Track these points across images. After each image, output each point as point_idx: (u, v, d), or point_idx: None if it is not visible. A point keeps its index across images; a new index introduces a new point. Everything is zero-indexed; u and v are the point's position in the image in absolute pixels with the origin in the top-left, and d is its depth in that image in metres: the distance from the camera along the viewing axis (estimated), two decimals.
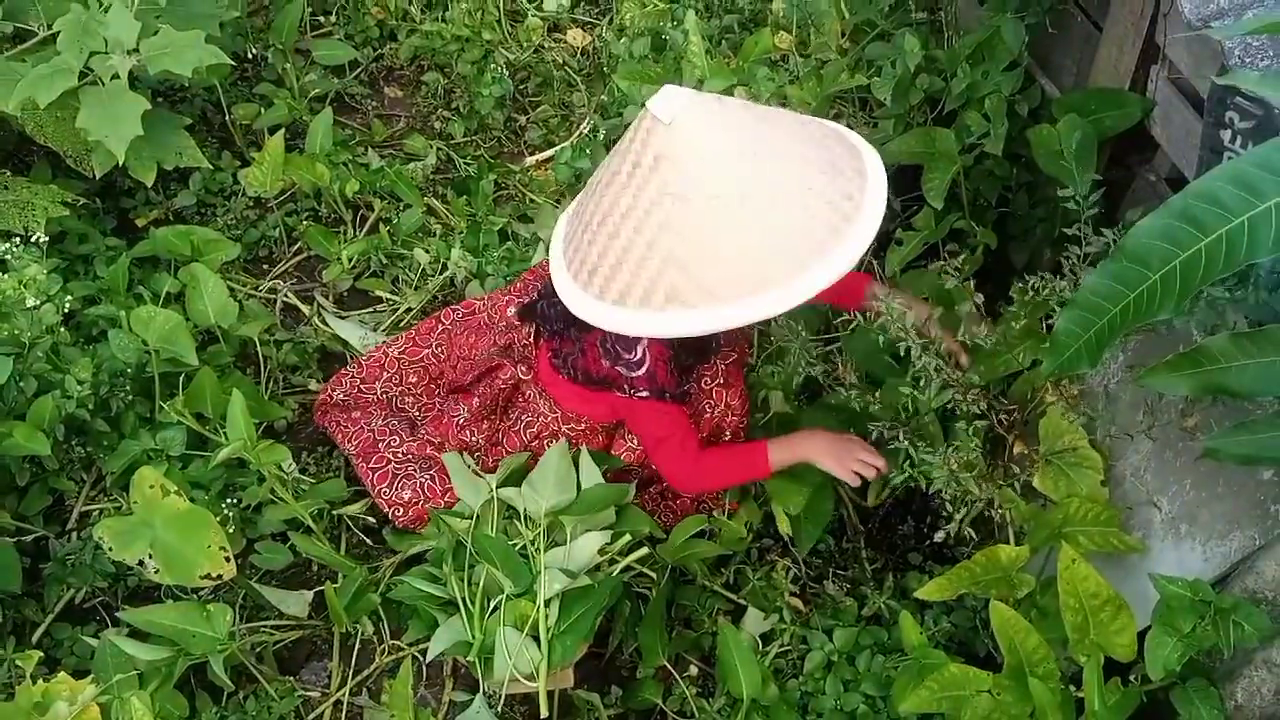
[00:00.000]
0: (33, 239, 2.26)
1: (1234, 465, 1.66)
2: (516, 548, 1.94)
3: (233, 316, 2.40)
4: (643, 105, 1.64)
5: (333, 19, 3.34)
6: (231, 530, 2.11)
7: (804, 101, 2.49)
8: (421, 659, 2.12)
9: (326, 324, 2.66)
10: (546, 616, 1.88)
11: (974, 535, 1.91)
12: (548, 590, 1.88)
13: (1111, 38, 2.00)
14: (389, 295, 2.74)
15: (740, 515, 2.19)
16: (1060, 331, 1.31)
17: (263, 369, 2.55)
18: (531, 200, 2.98)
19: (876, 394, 2.05)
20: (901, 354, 1.84)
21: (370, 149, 3.05)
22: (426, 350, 2.35)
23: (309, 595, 2.19)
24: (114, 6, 2.22)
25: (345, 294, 2.77)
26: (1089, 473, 1.89)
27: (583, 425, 2.08)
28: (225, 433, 2.05)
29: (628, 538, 2.00)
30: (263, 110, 3.00)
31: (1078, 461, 1.90)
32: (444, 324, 2.37)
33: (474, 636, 1.90)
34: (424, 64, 3.34)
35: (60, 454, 2.19)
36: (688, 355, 1.94)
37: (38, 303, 2.12)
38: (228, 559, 1.94)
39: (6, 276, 2.10)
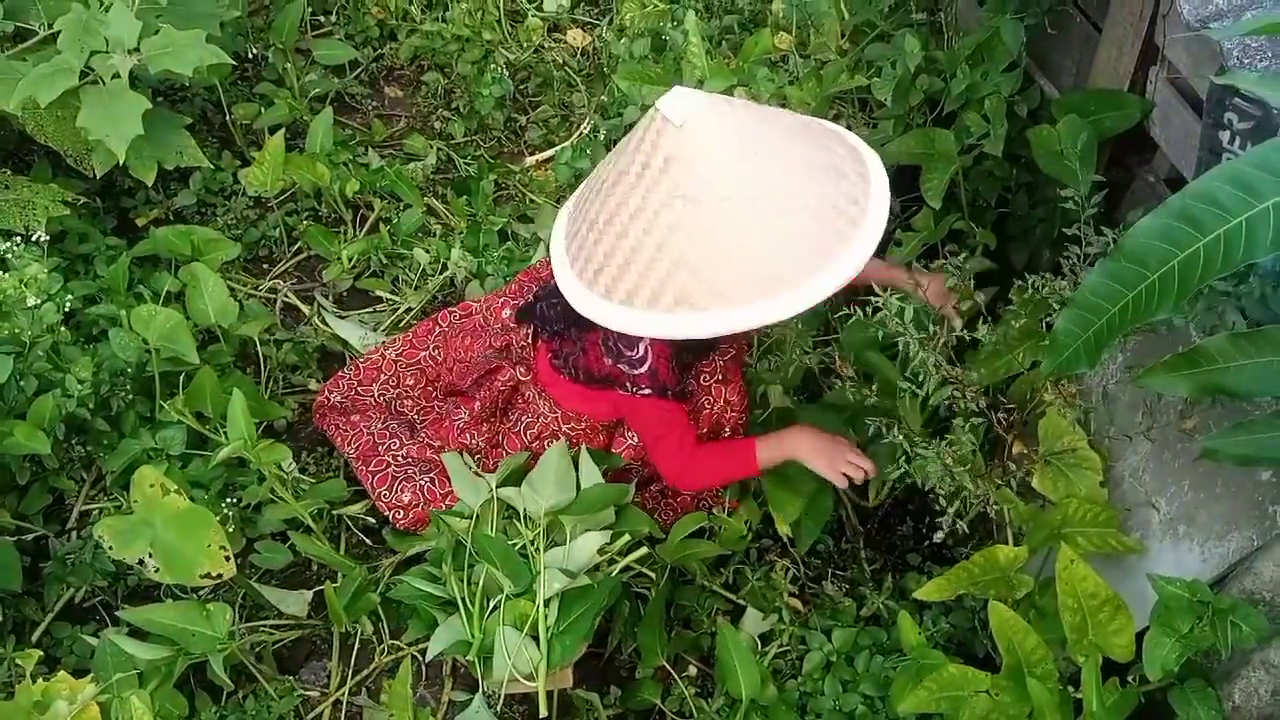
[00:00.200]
0: (33, 238, 2.27)
1: (1232, 466, 1.66)
2: (516, 547, 1.94)
3: (233, 316, 2.40)
4: (648, 105, 1.64)
5: (333, 19, 3.35)
6: (231, 530, 2.11)
7: (804, 102, 2.50)
8: (421, 659, 2.12)
9: (326, 324, 2.66)
10: (546, 616, 1.88)
11: (967, 530, 1.91)
12: (547, 590, 1.88)
13: (1111, 39, 2.00)
14: (389, 295, 2.74)
15: (740, 513, 2.19)
16: (1059, 331, 1.31)
17: (263, 368, 2.55)
18: (531, 200, 2.98)
19: (873, 387, 2.05)
20: (900, 349, 1.85)
21: (370, 149, 3.06)
22: (424, 353, 2.35)
23: (308, 595, 2.20)
24: (115, 6, 2.22)
25: (345, 294, 2.78)
26: (1088, 473, 1.89)
27: (583, 425, 2.09)
28: (225, 432, 2.06)
29: (627, 538, 2.01)
30: (263, 110, 3.00)
31: (1077, 462, 1.90)
32: (441, 326, 2.36)
33: (473, 636, 1.90)
34: (424, 64, 3.34)
35: (60, 453, 2.19)
36: (689, 352, 1.94)
37: (38, 302, 2.12)
38: (227, 558, 1.94)
39: (7, 275, 2.10)
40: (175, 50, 2.27)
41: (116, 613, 2.11)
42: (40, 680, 1.74)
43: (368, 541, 2.32)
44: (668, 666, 2.10)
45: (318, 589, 2.20)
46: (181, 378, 2.28)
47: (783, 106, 2.52)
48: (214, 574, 1.94)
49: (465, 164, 3.08)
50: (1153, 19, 1.88)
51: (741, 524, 2.16)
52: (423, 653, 2.09)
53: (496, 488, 2.02)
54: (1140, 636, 1.61)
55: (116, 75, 2.23)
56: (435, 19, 3.32)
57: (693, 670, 2.16)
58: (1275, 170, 1.10)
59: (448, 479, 2.11)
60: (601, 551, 1.98)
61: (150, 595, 2.18)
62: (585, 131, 3.12)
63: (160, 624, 1.92)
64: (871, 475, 1.98)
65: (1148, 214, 1.20)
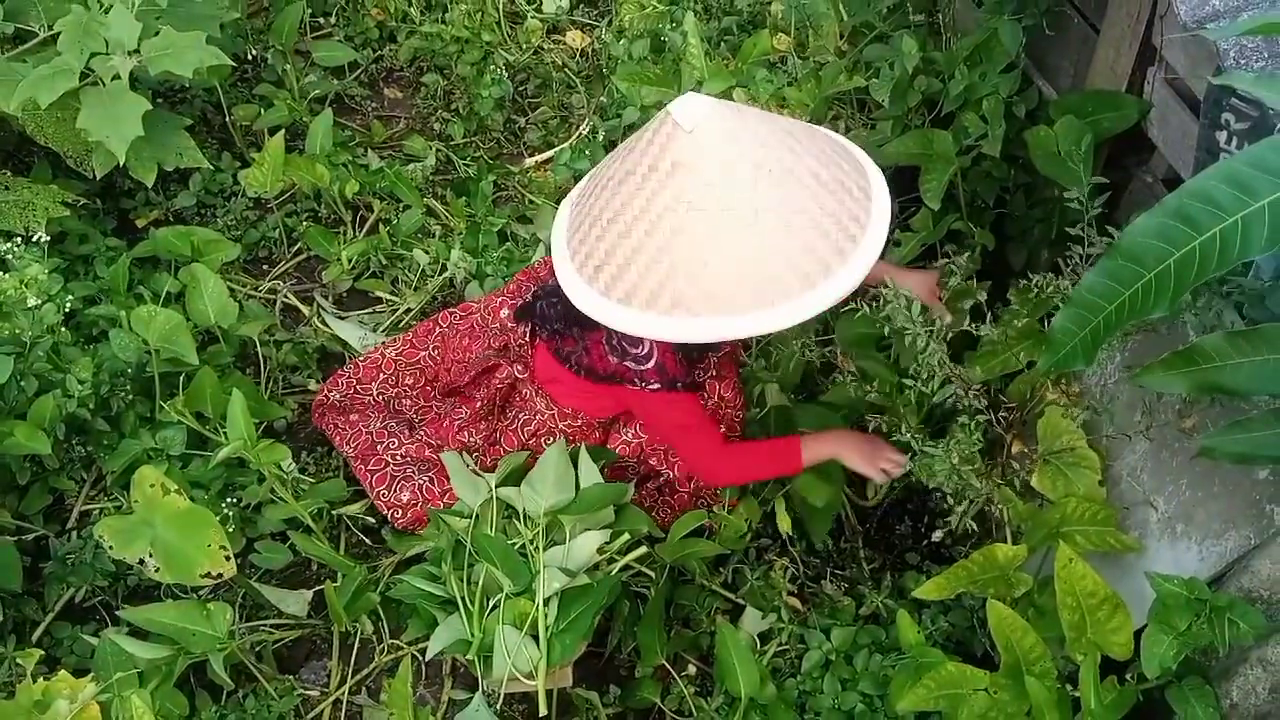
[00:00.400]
0: (34, 239, 2.27)
1: (1229, 464, 1.66)
2: (515, 547, 1.95)
3: (233, 317, 2.41)
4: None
5: (332, 20, 3.36)
6: (231, 529, 2.12)
7: (802, 103, 2.50)
8: (421, 658, 2.13)
9: (326, 324, 2.66)
10: (545, 615, 1.89)
11: (974, 528, 1.92)
12: (547, 589, 1.89)
13: (1108, 39, 2.01)
14: (388, 296, 2.75)
15: (740, 511, 2.19)
16: (1056, 329, 1.31)
17: (262, 369, 2.55)
18: (531, 201, 2.99)
19: (874, 384, 2.06)
20: (907, 344, 1.86)
21: (370, 150, 3.06)
22: (423, 353, 2.36)
23: (308, 594, 2.20)
24: (115, 7, 2.22)
25: (345, 294, 2.78)
26: (1086, 472, 1.90)
27: (579, 422, 2.09)
28: (225, 432, 2.06)
29: (626, 537, 2.01)
30: (263, 111, 3.01)
31: (1075, 461, 1.91)
32: (441, 327, 2.37)
33: (473, 635, 1.90)
34: (423, 65, 3.35)
35: (60, 453, 2.20)
36: (694, 346, 1.95)
37: (39, 302, 2.13)
38: (228, 558, 1.95)
39: (8, 276, 2.11)
40: (175, 52, 2.27)
41: (117, 612, 2.11)
42: (41, 680, 1.74)
43: (367, 541, 2.32)
44: (667, 665, 2.10)
45: (318, 588, 2.21)
46: (181, 378, 2.28)
47: (781, 107, 2.53)
48: (214, 574, 1.94)
49: (464, 165, 3.08)
50: (1150, 20, 1.88)
51: (741, 522, 2.16)
52: (422, 652, 2.10)
53: (496, 487, 2.02)
54: (1138, 635, 1.61)
55: (116, 76, 2.24)
56: (434, 21, 3.33)
57: (692, 669, 2.16)
58: (1270, 169, 1.11)
59: (446, 478, 2.12)
60: (601, 550, 1.98)
61: (150, 595, 2.19)
62: (584, 133, 3.12)
63: (160, 623, 1.92)
64: (907, 470, 2.01)
65: (1145, 213, 1.21)
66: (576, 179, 2.90)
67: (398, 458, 2.26)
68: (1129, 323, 1.24)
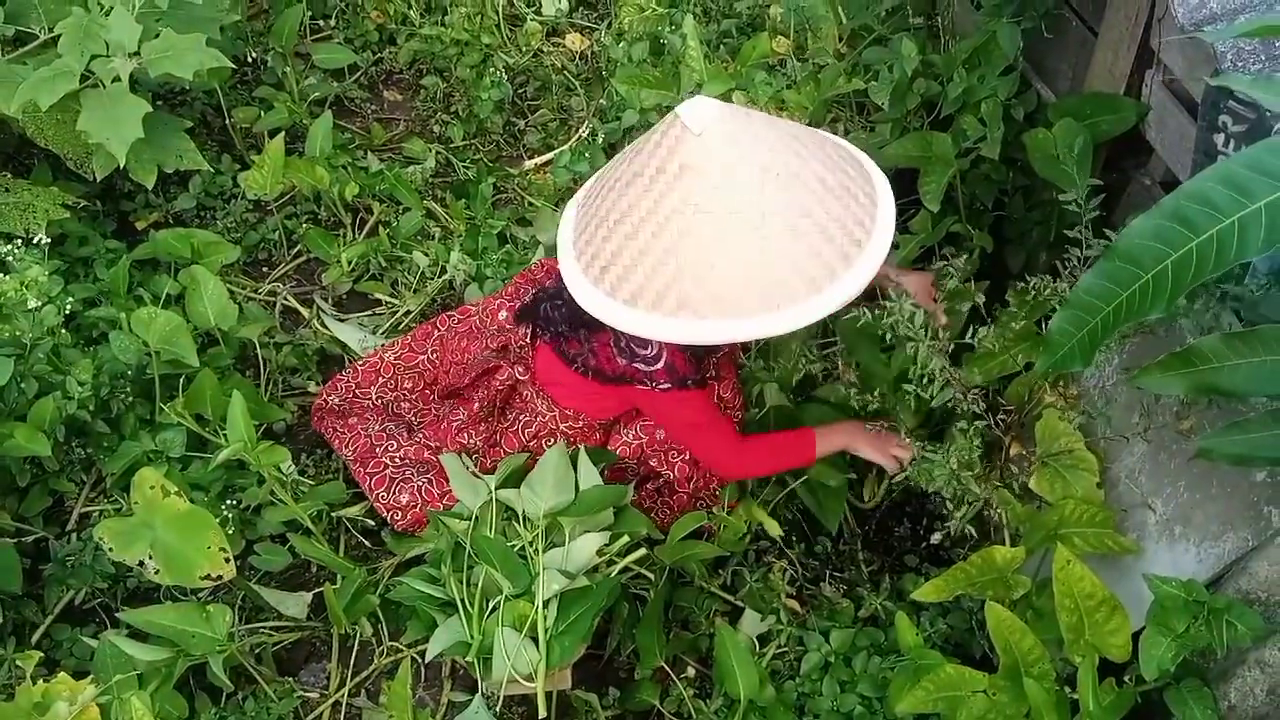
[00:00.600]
0: (34, 241, 2.27)
1: (1227, 466, 1.67)
2: (515, 549, 1.95)
3: (232, 319, 2.41)
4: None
5: (332, 23, 3.36)
6: (231, 532, 2.12)
7: (801, 106, 2.51)
8: (420, 660, 2.13)
9: (326, 326, 2.67)
10: (545, 617, 1.89)
11: (973, 533, 1.92)
12: (546, 591, 1.89)
13: (1107, 42, 2.01)
14: (388, 298, 2.75)
15: (739, 512, 2.19)
16: (1054, 330, 1.32)
17: (262, 371, 2.56)
18: (530, 203, 2.99)
19: (876, 393, 2.07)
20: (908, 351, 1.86)
21: (369, 152, 3.07)
22: (422, 356, 2.36)
23: (308, 597, 2.20)
24: (115, 10, 2.23)
25: (344, 297, 2.79)
26: (1085, 475, 1.90)
27: (580, 423, 2.10)
28: (225, 434, 2.06)
29: (626, 539, 2.01)
30: (262, 113, 3.01)
31: (1073, 463, 1.91)
32: (439, 330, 2.37)
33: (472, 637, 1.91)
34: (423, 68, 3.36)
35: (60, 455, 2.20)
36: (700, 346, 1.96)
37: (39, 304, 2.13)
38: (227, 560, 1.95)
39: (8, 278, 2.11)
40: (175, 54, 2.27)
41: (116, 614, 2.11)
42: (40, 682, 1.74)
43: (367, 543, 2.32)
44: (666, 667, 2.11)
45: (317, 591, 2.21)
46: (181, 380, 2.29)
47: (780, 110, 2.53)
48: (214, 576, 1.94)
49: (464, 167, 3.09)
50: (1148, 23, 1.89)
51: (741, 523, 2.17)
52: (422, 654, 2.10)
53: (496, 489, 2.02)
54: (1136, 637, 1.61)
55: (117, 79, 2.24)
56: (434, 23, 3.33)
57: (691, 671, 2.16)
58: (1267, 171, 1.11)
59: (445, 480, 2.12)
60: (600, 553, 1.98)
61: (150, 597, 2.19)
62: (584, 135, 3.13)
63: (160, 625, 1.92)
64: (915, 459, 2.04)
65: (1142, 215, 1.21)
66: (576, 181, 2.91)
67: (396, 460, 2.27)
68: (1126, 324, 1.25)
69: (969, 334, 1.93)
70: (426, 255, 2.78)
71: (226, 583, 1.99)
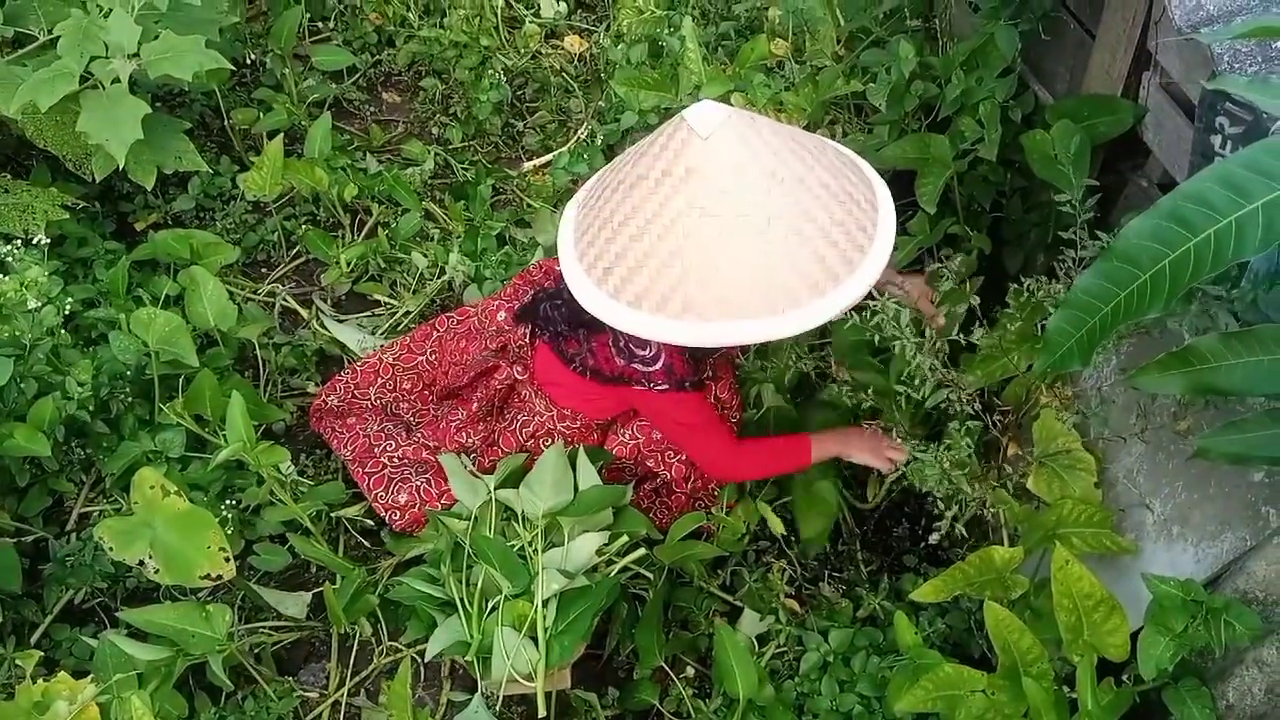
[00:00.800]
0: (33, 242, 2.28)
1: (1225, 465, 1.67)
2: (514, 548, 1.95)
3: (232, 319, 2.41)
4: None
5: (331, 25, 3.36)
6: (230, 532, 2.12)
7: (799, 107, 2.51)
8: (419, 660, 2.13)
9: (325, 327, 2.67)
10: (544, 617, 1.89)
11: (966, 534, 1.92)
12: (545, 591, 1.89)
13: (1104, 44, 2.02)
14: (387, 299, 2.75)
15: (738, 513, 2.20)
16: (1053, 330, 1.32)
17: (261, 372, 2.56)
18: (529, 205, 2.99)
19: (869, 391, 2.07)
20: (895, 352, 1.86)
21: (368, 154, 3.07)
22: (421, 357, 2.36)
23: (307, 597, 2.20)
24: (114, 11, 2.23)
25: (343, 298, 2.79)
26: (1082, 475, 1.90)
27: (578, 423, 2.10)
28: (224, 435, 2.06)
29: (625, 538, 2.02)
30: (261, 115, 3.01)
31: (1071, 464, 1.92)
32: (438, 331, 2.38)
33: (472, 637, 1.91)
34: (422, 70, 3.36)
35: (60, 455, 2.20)
36: (701, 349, 1.97)
37: (38, 305, 2.13)
38: (227, 560, 1.95)
39: (8, 279, 2.11)
40: (174, 55, 2.27)
41: (116, 614, 2.12)
42: (40, 681, 1.74)
43: (366, 543, 2.33)
44: (665, 667, 2.11)
45: (316, 591, 2.21)
46: (181, 380, 2.29)
47: (779, 112, 2.54)
48: (213, 575, 1.94)
49: (463, 169, 3.09)
50: (1145, 24, 1.89)
51: (740, 523, 2.17)
52: (421, 654, 2.10)
53: (495, 489, 2.03)
54: (1135, 636, 1.62)
55: (116, 80, 2.24)
56: (433, 25, 3.34)
57: (690, 671, 2.16)
58: (1264, 171, 1.12)
59: (443, 479, 2.12)
60: (599, 552, 1.99)
61: (149, 597, 2.19)
62: (582, 137, 3.13)
63: (160, 625, 1.93)
64: (900, 472, 2.05)
65: (1140, 215, 1.22)
66: (575, 183, 2.92)
67: (395, 460, 2.27)
68: (1125, 324, 1.25)
69: (966, 334, 1.93)
70: (425, 256, 2.78)
71: (226, 582, 1.99)
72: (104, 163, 2.40)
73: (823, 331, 2.45)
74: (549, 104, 3.28)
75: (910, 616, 1.96)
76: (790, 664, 2.12)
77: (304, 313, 2.72)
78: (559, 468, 1.99)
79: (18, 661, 1.90)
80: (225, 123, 2.99)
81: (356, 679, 2.14)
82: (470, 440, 2.20)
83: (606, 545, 2.00)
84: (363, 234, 2.90)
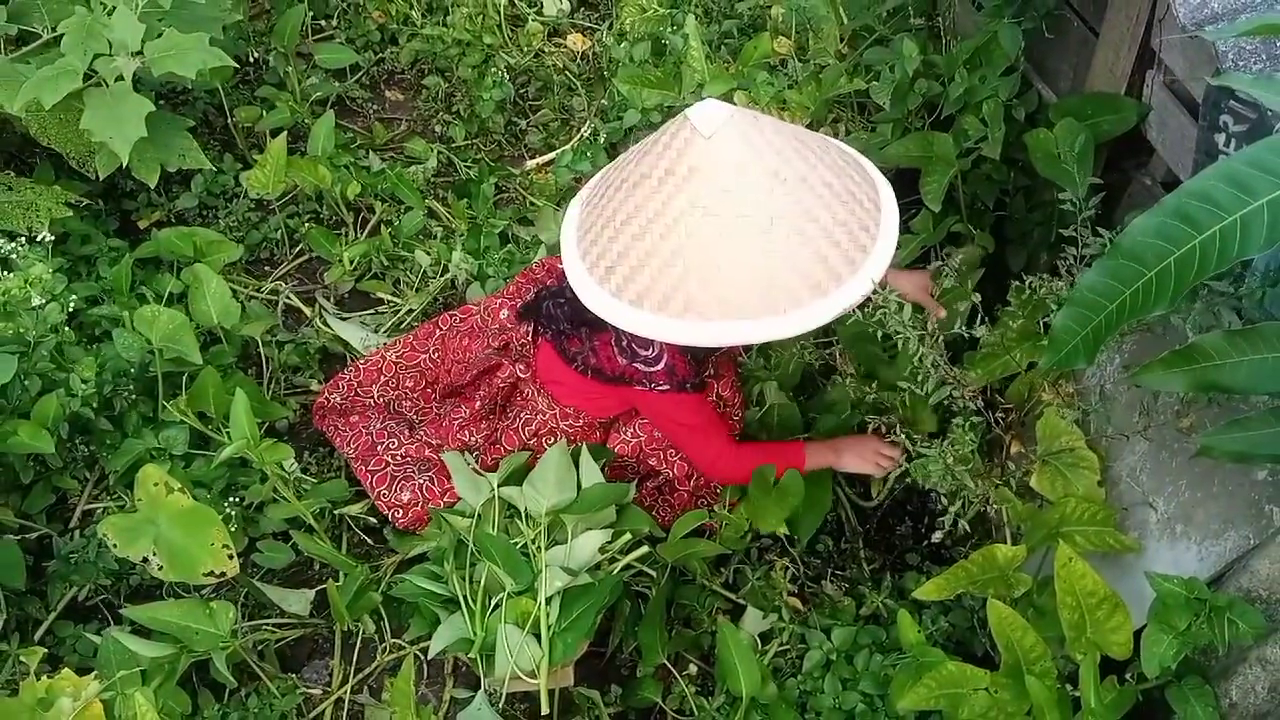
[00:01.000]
0: (37, 239, 2.28)
1: (1228, 463, 1.67)
2: (517, 546, 1.95)
3: (235, 317, 2.42)
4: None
5: (334, 23, 3.37)
6: (234, 529, 2.12)
7: (803, 106, 2.51)
8: (423, 657, 2.13)
9: (328, 325, 2.67)
10: (547, 614, 1.89)
11: (968, 529, 1.92)
12: (548, 588, 1.89)
13: (1108, 42, 2.02)
14: (390, 297, 2.75)
15: (740, 511, 2.20)
16: (1058, 328, 1.32)
17: (265, 369, 2.56)
18: (532, 203, 2.99)
19: (873, 384, 2.07)
20: (899, 347, 1.86)
21: (371, 152, 3.07)
22: (423, 355, 2.37)
23: (310, 594, 2.21)
24: (118, 9, 2.23)
25: (346, 295, 2.79)
26: (1086, 473, 1.90)
27: (580, 421, 2.10)
28: (228, 432, 2.07)
29: (628, 536, 2.02)
30: (265, 113, 3.01)
31: (1074, 462, 1.91)
32: (441, 329, 2.38)
33: (475, 634, 1.91)
34: (425, 68, 3.36)
35: (64, 452, 2.20)
36: (702, 348, 1.97)
37: (42, 302, 2.13)
38: (230, 557, 1.95)
39: (12, 276, 2.12)
40: (178, 53, 2.28)
41: (120, 611, 2.11)
42: (44, 678, 1.75)
43: (369, 541, 2.33)
44: (668, 665, 2.11)
45: (320, 588, 2.22)
46: (184, 378, 2.29)
47: (782, 110, 2.54)
48: (217, 572, 1.95)
49: (466, 167, 3.09)
50: (1149, 22, 1.89)
51: (743, 521, 2.17)
52: (424, 651, 2.10)
53: (498, 487, 2.03)
54: (1138, 634, 1.62)
55: (120, 78, 2.25)
56: (436, 23, 3.34)
57: (693, 669, 2.16)
58: (1269, 168, 1.12)
59: (446, 477, 2.13)
60: (602, 550, 1.99)
61: (153, 594, 2.19)
62: (585, 135, 3.13)
63: (163, 622, 1.93)
64: (900, 461, 2.05)
65: (1145, 213, 1.22)
66: (578, 181, 2.92)
67: (398, 458, 2.27)
68: (1129, 321, 1.25)
69: (969, 328, 1.93)
70: (428, 254, 2.78)
71: (229, 580, 2.00)
72: (107, 160, 2.40)
73: (827, 329, 2.46)
74: (552, 102, 3.28)
75: (913, 614, 1.96)
76: (793, 662, 2.12)
77: (307, 310, 2.72)
78: (562, 466, 1.99)
79: (22, 658, 1.90)
80: (228, 120, 2.99)
81: (359, 676, 2.15)
82: (473, 438, 2.20)
83: (609, 543, 2.00)
84: (366, 232, 2.90)
